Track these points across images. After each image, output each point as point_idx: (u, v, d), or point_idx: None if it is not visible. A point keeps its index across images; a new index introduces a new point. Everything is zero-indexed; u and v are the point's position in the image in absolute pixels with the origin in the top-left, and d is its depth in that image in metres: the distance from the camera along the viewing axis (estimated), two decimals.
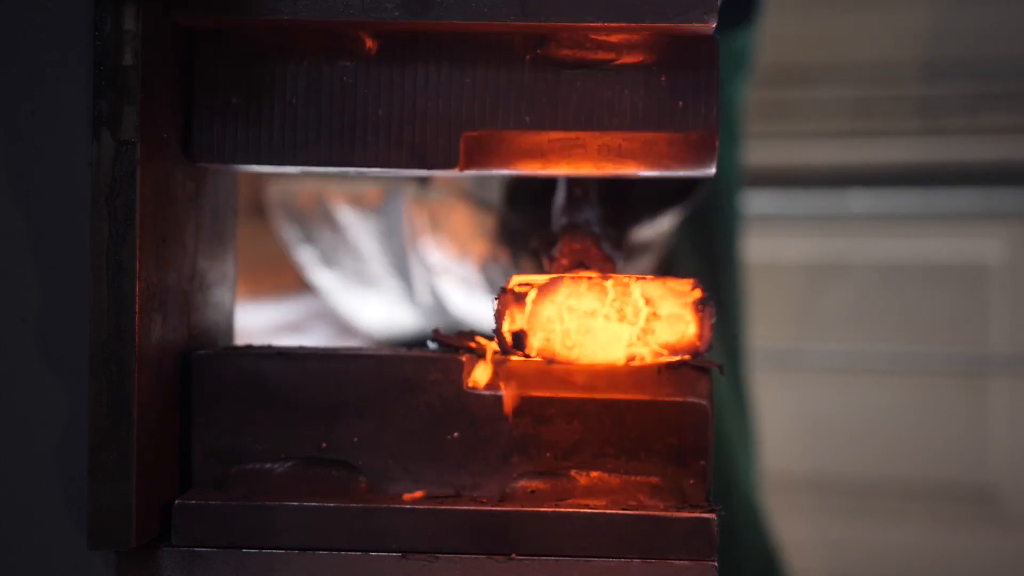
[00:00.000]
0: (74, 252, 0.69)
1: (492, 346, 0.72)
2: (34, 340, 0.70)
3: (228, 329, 0.81)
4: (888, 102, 2.44)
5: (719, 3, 0.66)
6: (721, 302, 1.46)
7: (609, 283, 0.68)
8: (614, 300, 0.67)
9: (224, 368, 0.71)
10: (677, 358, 0.68)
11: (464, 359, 0.71)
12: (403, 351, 0.73)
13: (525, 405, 0.71)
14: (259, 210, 1.36)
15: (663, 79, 0.70)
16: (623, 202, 1.03)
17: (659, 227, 1.19)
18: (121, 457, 0.65)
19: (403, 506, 0.68)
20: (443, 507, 0.68)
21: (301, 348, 0.74)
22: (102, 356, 0.65)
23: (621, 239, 1.00)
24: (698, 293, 0.69)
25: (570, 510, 0.68)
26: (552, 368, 0.71)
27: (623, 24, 0.67)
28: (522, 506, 0.69)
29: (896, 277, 2.49)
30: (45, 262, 0.69)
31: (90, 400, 0.65)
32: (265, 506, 0.68)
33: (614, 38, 0.69)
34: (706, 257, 1.41)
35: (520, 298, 0.68)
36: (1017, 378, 2.43)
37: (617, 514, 0.68)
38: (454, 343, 0.73)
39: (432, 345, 0.75)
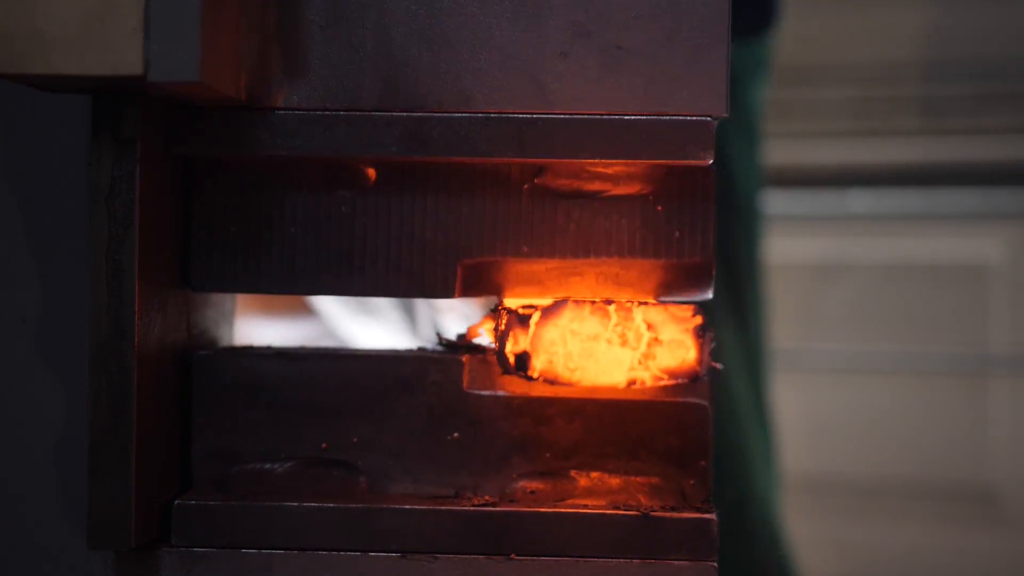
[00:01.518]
0: (74, 252, 0.69)
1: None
2: (34, 340, 0.70)
3: (228, 329, 0.81)
4: (888, 102, 2.44)
5: (714, 140, 0.67)
6: (741, 308, 1.45)
7: (612, 307, 0.70)
8: (616, 324, 0.69)
9: (224, 368, 0.71)
10: (676, 382, 0.70)
11: (464, 360, 0.71)
12: (403, 351, 0.73)
13: (525, 405, 0.71)
14: None
15: (659, 208, 0.71)
16: None
17: None
18: (121, 457, 0.65)
19: (403, 506, 0.68)
20: (443, 507, 0.68)
21: (301, 348, 0.74)
22: (102, 356, 0.65)
23: None
24: (699, 319, 0.70)
25: (570, 510, 0.68)
26: None
27: (620, 160, 0.68)
28: (522, 506, 0.69)
29: (897, 277, 2.49)
30: (45, 262, 0.69)
31: (90, 400, 0.65)
32: (265, 506, 0.68)
33: (611, 169, 0.70)
34: (725, 261, 1.40)
35: (524, 320, 0.69)
36: (1017, 378, 2.43)
37: (617, 514, 0.68)
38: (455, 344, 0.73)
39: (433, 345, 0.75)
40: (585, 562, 0.68)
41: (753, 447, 1.45)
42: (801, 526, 2.40)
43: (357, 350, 0.75)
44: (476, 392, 0.71)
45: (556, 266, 0.72)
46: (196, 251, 0.71)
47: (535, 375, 0.69)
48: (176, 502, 0.69)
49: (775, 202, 2.46)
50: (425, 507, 0.68)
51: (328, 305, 1.37)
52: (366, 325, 1.38)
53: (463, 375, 0.71)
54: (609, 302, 0.70)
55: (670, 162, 0.68)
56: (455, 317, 1.31)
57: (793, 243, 2.49)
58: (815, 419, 2.50)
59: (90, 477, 0.65)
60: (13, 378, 0.70)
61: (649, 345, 0.69)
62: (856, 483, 2.48)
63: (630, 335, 0.69)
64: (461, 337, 0.75)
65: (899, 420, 2.48)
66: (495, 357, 0.72)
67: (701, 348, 0.69)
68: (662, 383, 0.69)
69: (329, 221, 0.71)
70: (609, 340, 0.69)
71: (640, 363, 0.69)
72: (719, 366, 0.71)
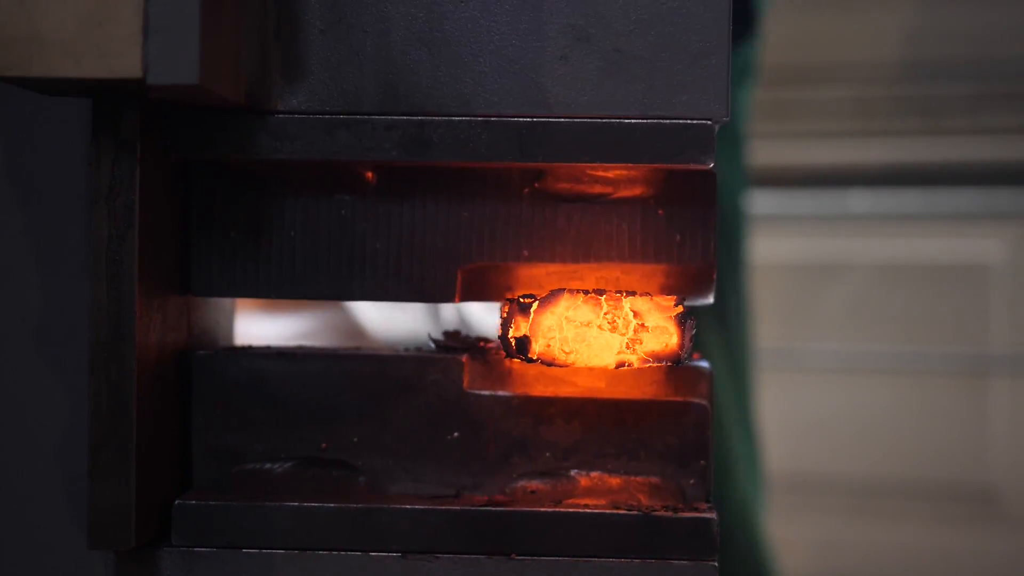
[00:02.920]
0: (74, 252, 0.69)
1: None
2: (34, 340, 0.70)
3: (228, 329, 0.81)
4: (888, 102, 2.44)
5: (715, 143, 0.67)
6: (725, 311, 1.46)
7: (603, 297, 0.71)
8: (607, 312, 0.70)
9: (224, 368, 0.71)
10: (660, 364, 0.71)
11: (464, 359, 0.71)
12: (403, 351, 0.73)
13: (525, 405, 0.71)
14: None
15: (660, 212, 0.71)
16: None
17: None
18: (121, 457, 0.65)
19: (403, 506, 0.69)
20: (443, 507, 0.68)
21: (301, 348, 0.74)
22: (102, 356, 0.65)
23: None
24: (680, 308, 0.71)
25: (570, 510, 0.68)
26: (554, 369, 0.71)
27: (621, 164, 0.68)
28: (522, 506, 0.69)
29: (896, 277, 2.49)
30: (45, 262, 0.70)
31: (90, 400, 0.65)
32: (265, 506, 0.69)
33: (611, 173, 0.70)
34: None
35: (525, 308, 0.70)
36: (1017, 378, 2.43)
37: (617, 514, 0.68)
38: (453, 344, 0.74)
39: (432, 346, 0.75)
40: (585, 562, 0.68)
41: (736, 449, 1.45)
42: (801, 526, 2.41)
43: (357, 350, 0.75)
44: (476, 392, 0.71)
45: (557, 270, 0.72)
46: (196, 255, 0.71)
47: (534, 357, 0.70)
48: (176, 502, 0.69)
49: (775, 202, 2.46)
50: (425, 507, 0.68)
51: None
52: (386, 311, 1.38)
53: (463, 375, 0.71)
54: (601, 292, 0.71)
55: (670, 166, 0.68)
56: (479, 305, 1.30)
57: (793, 243, 2.50)
58: (815, 419, 2.50)
59: (90, 477, 0.66)
60: (13, 378, 0.70)
61: (636, 331, 0.69)
62: (856, 483, 2.48)
63: (619, 322, 0.70)
64: (451, 336, 0.75)
65: (899, 420, 2.48)
66: (494, 356, 0.72)
67: (683, 334, 0.70)
68: (648, 364, 0.71)
69: (329, 225, 0.71)
70: (600, 326, 0.70)
71: (628, 347, 0.70)
72: (699, 357, 0.72)
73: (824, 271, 2.50)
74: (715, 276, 0.72)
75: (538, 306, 0.71)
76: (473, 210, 0.71)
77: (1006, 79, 2.39)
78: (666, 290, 0.72)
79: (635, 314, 0.71)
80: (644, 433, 0.70)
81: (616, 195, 0.71)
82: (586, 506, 0.69)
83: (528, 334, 0.71)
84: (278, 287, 0.71)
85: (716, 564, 0.67)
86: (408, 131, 0.68)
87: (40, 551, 0.70)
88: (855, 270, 2.51)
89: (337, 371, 0.71)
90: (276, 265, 0.71)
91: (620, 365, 0.72)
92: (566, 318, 0.71)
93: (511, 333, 0.71)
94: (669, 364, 0.71)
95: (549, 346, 0.71)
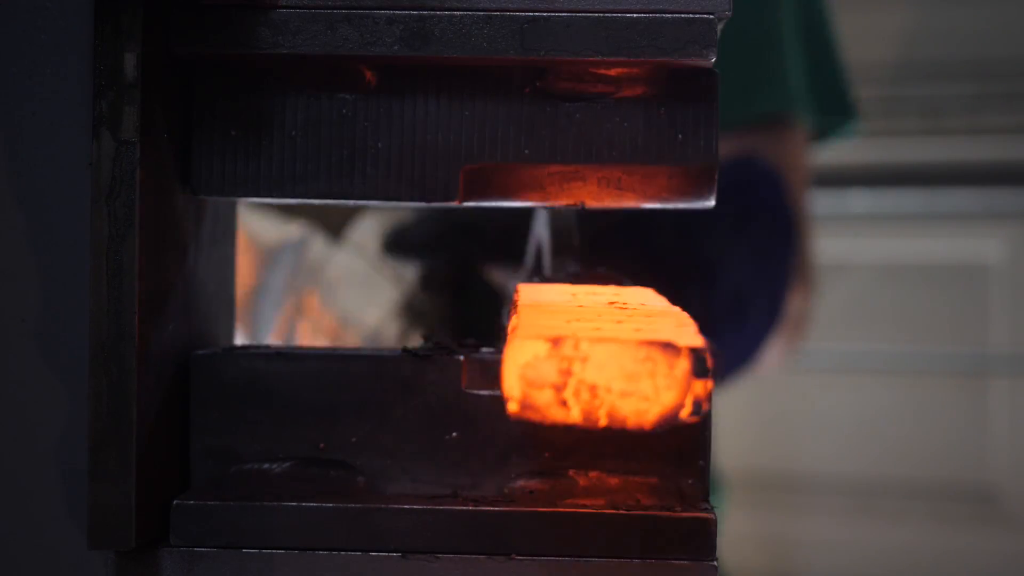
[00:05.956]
0: (74, 252, 0.69)
1: None
2: (34, 340, 0.70)
3: (228, 329, 0.81)
4: (888, 102, 2.44)
5: (717, 38, 0.67)
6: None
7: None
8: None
9: (223, 368, 0.71)
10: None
11: (463, 360, 0.71)
12: (402, 352, 0.73)
13: None
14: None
15: (662, 112, 0.71)
16: None
17: None
18: (121, 457, 0.65)
19: (403, 506, 0.69)
20: (443, 507, 0.69)
21: (300, 348, 0.74)
22: (102, 356, 0.65)
23: None
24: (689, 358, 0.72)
25: (569, 510, 0.68)
26: None
27: (621, 59, 0.68)
28: (521, 506, 0.69)
29: (896, 277, 2.49)
30: (45, 262, 0.70)
31: (90, 400, 0.65)
32: (264, 506, 0.69)
33: (613, 72, 0.70)
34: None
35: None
36: (1017, 378, 2.43)
37: (616, 514, 0.68)
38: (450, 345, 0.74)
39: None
40: (585, 562, 0.68)
41: None
42: (801, 526, 2.41)
43: (356, 350, 0.75)
44: (475, 392, 0.71)
45: (558, 171, 0.71)
46: (197, 155, 0.71)
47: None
48: (175, 502, 0.69)
49: None
50: (425, 507, 0.68)
51: None
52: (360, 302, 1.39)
53: (462, 375, 0.71)
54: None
55: (672, 60, 0.67)
56: None
57: None
58: (815, 419, 2.50)
59: (90, 477, 0.66)
60: (13, 378, 0.70)
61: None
62: (856, 483, 2.48)
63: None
64: (432, 340, 0.75)
65: (899, 420, 2.48)
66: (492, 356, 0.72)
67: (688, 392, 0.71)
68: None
69: (330, 124, 0.71)
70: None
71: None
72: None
73: (824, 271, 2.50)
74: (716, 177, 0.72)
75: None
76: (475, 109, 0.71)
77: (1006, 79, 2.39)
78: (667, 191, 0.72)
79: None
80: (643, 433, 0.70)
81: (618, 95, 0.71)
82: (585, 506, 0.69)
83: None
84: (279, 187, 0.71)
85: (716, 564, 0.67)
86: (409, 25, 0.68)
87: (40, 551, 0.70)
88: (855, 270, 2.51)
89: (335, 371, 0.71)
90: (277, 164, 0.71)
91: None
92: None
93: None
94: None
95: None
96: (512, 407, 0.65)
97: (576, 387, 0.65)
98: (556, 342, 0.64)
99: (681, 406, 0.67)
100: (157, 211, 0.68)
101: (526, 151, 0.71)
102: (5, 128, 0.70)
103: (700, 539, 0.67)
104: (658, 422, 0.66)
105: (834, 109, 1.61)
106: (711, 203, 0.73)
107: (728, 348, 1.45)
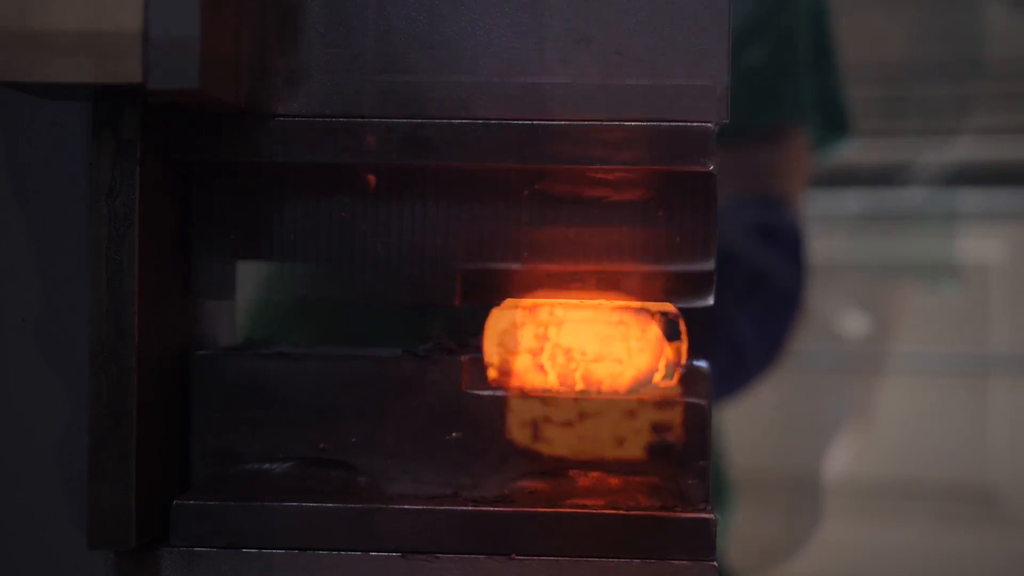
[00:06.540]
0: (74, 252, 0.69)
1: None
2: (34, 340, 0.70)
3: (229, 329, 0.81)
4: (888, 102, 2.44)
5: (715, 145, 0.67)
6: None
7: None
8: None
9: (224, 368, 0.71)
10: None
11: (463, 360, 0.71)
12: (403, 352, 0.73)
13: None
14: None
15: (660, 214, 0.71)
16: None
17: None
18: (121, 457, 0.65)
19: (403, 506, 0.69)
20: (443, 507, 0.69)
21: (300, 348, 0.74)
22: (102, 356, 0.65)
23: None
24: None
25: (570, 510, 0.68)
26: None
27: (619, 167, 0.68)
28: (522, 506, 0.69)
29: (895, 277, 2.49)
30: (45, 262, 0.70)
31: (90, 400, 0.65)
32: (264, 506, 0.69)
33: (612, 175, 0.70)
34: None
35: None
36: (1017, 378, 2.43)
37: (617, 514, 0.68)
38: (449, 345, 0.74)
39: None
40: (585, 562, 0.68)
41: None
42: (800, 526, 2.40)
43: (357, 350, 0.75)
44: (475, 392, 0.71)
45: (557, 272, 0.72)
46: (196, 257, 0.71)
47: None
48: (174, 502, 0.69)
49: None
50: (426, 507, 0.68)
51: None
52: None
53: (462, 375, 0.71)
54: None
55: (671, 168, 0.68)
56: None
57: None
58: (814, 419, 2.50)
59: (90, 477, 0.66)
60: (13, 378, 0.70)
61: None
62: (856, 483, 2.48)
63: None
64: (433, 340, 0.75)
65: (898, 420, 2.48)
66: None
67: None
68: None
69: (329, 227, 0.71)
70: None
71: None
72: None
73: (824, 271, 2.50)
74: (715, 278, 0.72)
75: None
76: (473, 212, 0.71)
77: (1006, 79, 2.39)
78: (665, 292, 0.72)
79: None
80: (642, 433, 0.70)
81: (616, 197, 0.71)
82: (586, 506, 0.69)
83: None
84: (279, 288, 0.72)
85: (716, 564, 0.67)
86: (408, 133, 0.68)
87: (40, 551, 0.70)
88: (855, 270, 2.51)
89: (336, 371, 0.71)
90: (276, 266, 0.72)
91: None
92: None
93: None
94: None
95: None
96: (492, 373, 0.68)
97: (552, 351, 0.68)
98: (532, 309, 0.67)
99: (655, 370, 0.69)
100: (157, 211, 0.68)
101: (524, 253, 0.71)
102: (5, 128, 0.70)
103: (700, 539, 0.68)
104: (632, 385, 0.68)
105: (832, 125, 1.61)
106: (710, 302, 0.73)
107: (721, 384, 1.45)
